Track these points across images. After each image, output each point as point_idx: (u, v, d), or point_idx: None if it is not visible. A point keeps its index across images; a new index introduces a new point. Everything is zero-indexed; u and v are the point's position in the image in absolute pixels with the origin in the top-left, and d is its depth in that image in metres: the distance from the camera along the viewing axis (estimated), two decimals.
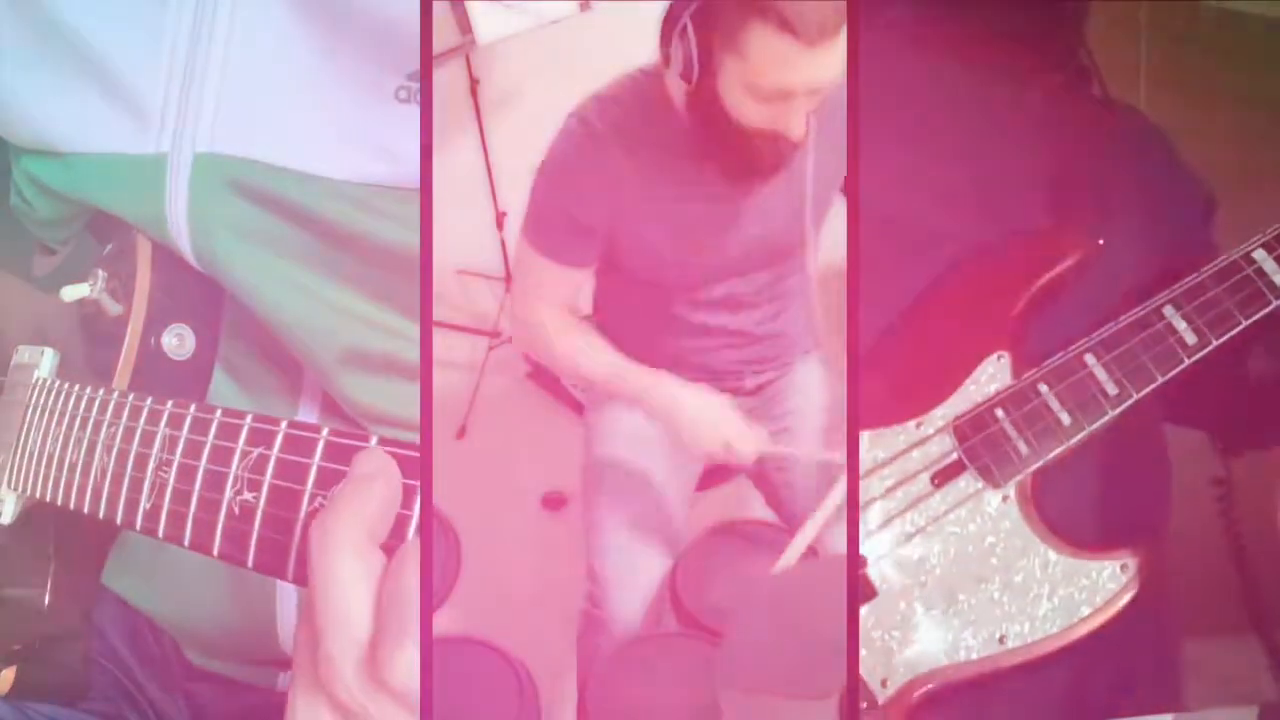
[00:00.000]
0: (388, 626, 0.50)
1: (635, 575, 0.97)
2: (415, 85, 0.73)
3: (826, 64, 0.82)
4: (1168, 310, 0.78)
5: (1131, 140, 0.89)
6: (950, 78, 0.86)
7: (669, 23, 0.84)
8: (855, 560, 0.75)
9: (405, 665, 0.50)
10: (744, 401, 1.02)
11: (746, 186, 0.91)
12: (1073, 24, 0.88)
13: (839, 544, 0.84)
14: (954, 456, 0.78)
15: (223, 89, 0.76)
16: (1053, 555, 0.77)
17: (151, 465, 0.64)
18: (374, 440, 0.54)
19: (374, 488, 0.53)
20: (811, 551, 0.97)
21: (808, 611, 0.81)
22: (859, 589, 0.76)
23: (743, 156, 0.87)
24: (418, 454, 0.54)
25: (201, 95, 0.76)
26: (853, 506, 0.75)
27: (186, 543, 0.61)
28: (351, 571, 0.52)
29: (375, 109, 0.73)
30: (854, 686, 0.73)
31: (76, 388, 0.75)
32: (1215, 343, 0.78)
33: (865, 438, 0.78)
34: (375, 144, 0.74)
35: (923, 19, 0.86)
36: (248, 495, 0.57)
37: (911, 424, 0.79)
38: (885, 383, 0.78)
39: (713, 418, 0.93)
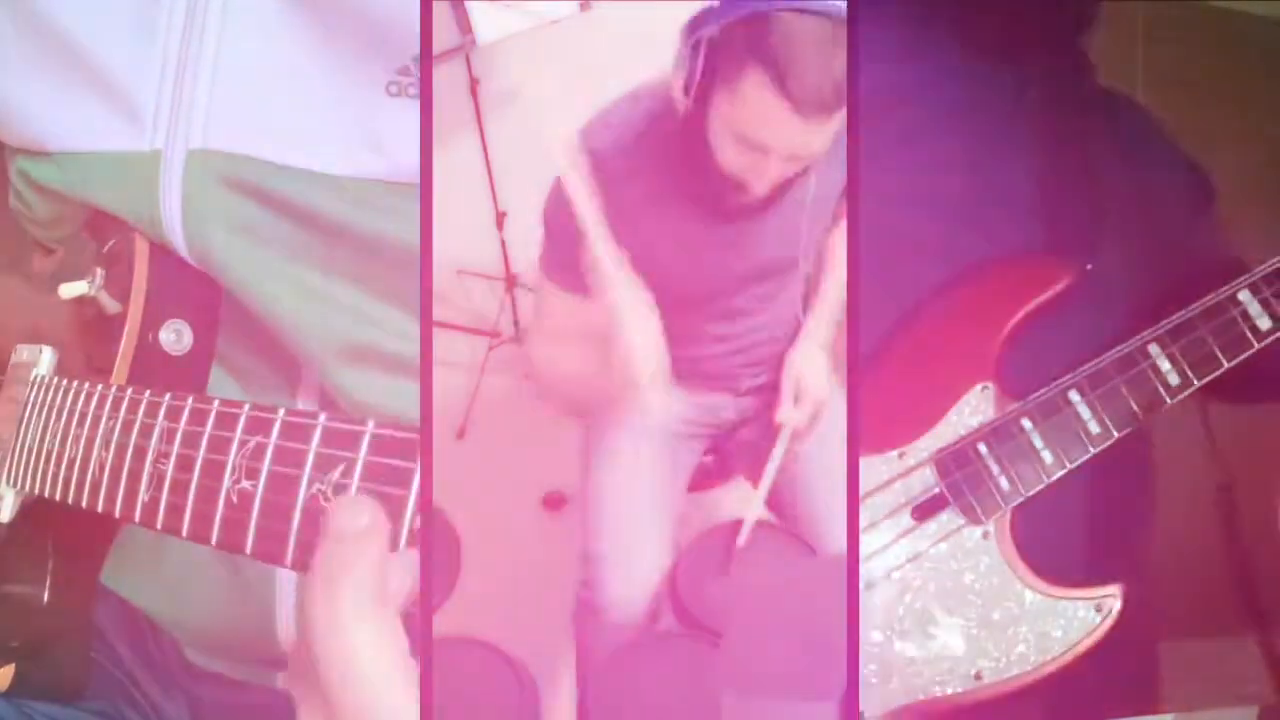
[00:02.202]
0: None
1: (630, 560, 0.97)
2: (406, 79, 0.74)
3: (813, 138, 0.81)
4: (1153, 349, 0.78)
5: (1125, 132, 0.88)
6: (944, 78, 0.85)
7: (690, 30, 0.83)
8: (855, 560, 0.75)
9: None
10: (740, 403, 1.02)
11: (722, 218, 0.90)
12: (1076, 15, 0.87)
13: (839, 544, 0.84)
14: (936, 490, 0.77)
15: (215, 85, 0.76)
16: (1029, 595, 0.77)
17: (150, 457, 0.64)
18: (370, 424, 0.54)
19: (367, 548, 0.51)
20: (810, 550, 0.97)
21: (808, 612, 0.80)
22: (858, 588, 0.75)
23: (708, 192, 0.87)
24: (415, 454, 0.54)
25: (194, 92, 0.76)
26: (852, 504, 0.75)
27: (185, 533, 0.61)
28: (368, 644, 0.50)
29: (367, 103, 0.74)
30: (854, 687, 0.73)
31: (75, 384, 0.75)
32: (1197, 384, 0.77)
33: (859, 466, 0.77)
34: (368, 138, 0.74)
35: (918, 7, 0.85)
36: (246, 483, 0.57)
37: (894, 454, 0.78)
38: (869, 410, 0.77)
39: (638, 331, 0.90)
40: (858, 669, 0.74)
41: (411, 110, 0.73)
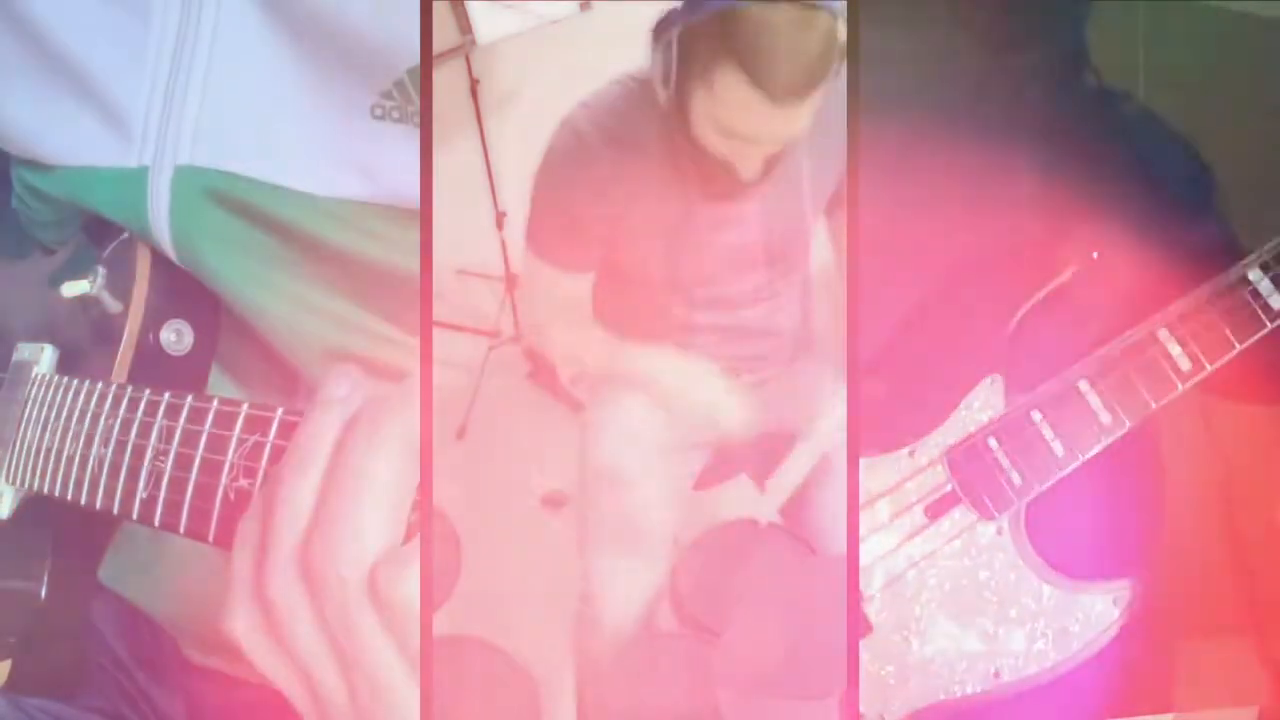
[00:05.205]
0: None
1: (630, 575, 0.97)
2: (390, 103, 0.74)
3: (789, 122, 0.81)
4: (1162, 334, 0.76)
5: (1123, 130, 0.88)
6: (944, 74, 0.85)
7: (658, 32, 0.84)
8: (855, 559, 0.75)
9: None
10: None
11: (711, 201, 0.91)
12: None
13: (842, 544, 0.84)
14: (948, 488, 0.77)
15: (203, 104, 0.78)
16: (1047, 590, 0.76)
17: (149, 455, 0.64)
18: None
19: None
20: (810, 550, 0.97)
21: (808, 611, 0.80)
22: (859, 587, 0.75)
23: (696, 177, 0.88)
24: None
25: (183, 110, 0.78)
26: (853, 501, 0.75)
27: (183, 530, 0.61)
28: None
29: (352, 126, 0.75)
30: (854, 687, 0.73)
31: (75, 382, 0.75)
32: (1209, 368, 0.76)
33: (859, 466, 0.77)
34: (351, 161, 0.76)
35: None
36: (244, 482, 0.58)
37: (905, 452, 0.78)
38: (877, 407, 0.77)
39: (707, 388, 0.92)
40: (858, 669, 0.74)
41: (395, 133, 0.75)
